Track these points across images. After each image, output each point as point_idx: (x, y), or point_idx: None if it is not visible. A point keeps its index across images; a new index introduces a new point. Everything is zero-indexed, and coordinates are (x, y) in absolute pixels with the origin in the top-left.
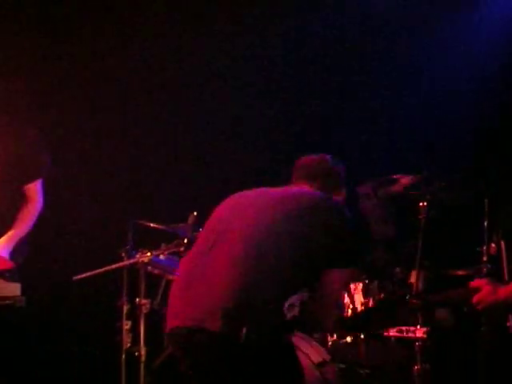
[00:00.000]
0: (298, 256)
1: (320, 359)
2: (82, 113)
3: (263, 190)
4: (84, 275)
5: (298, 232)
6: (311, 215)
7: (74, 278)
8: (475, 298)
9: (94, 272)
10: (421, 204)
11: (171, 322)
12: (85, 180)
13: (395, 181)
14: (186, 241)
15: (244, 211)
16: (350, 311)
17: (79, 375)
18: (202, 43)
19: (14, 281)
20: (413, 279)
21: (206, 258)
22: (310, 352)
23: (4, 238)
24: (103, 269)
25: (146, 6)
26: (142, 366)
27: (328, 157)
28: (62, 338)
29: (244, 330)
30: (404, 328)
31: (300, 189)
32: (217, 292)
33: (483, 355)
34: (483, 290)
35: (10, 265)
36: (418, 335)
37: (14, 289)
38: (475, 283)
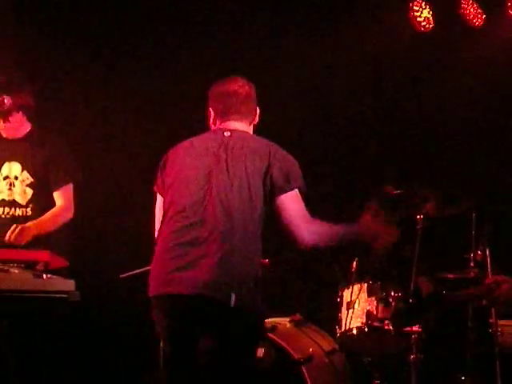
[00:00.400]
0: (264, 212)
1: (330, 348)
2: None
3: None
4: (130, 273)
5: (264, 189)
6: (272, 168)
7: (121, 275)
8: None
9: (140, 270)
10: (418, 216)
11: (164, 288)
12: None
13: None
14: None
15: (211, 174)
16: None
17: (123, 364)
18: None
19: (68, 277)
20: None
21: (190, 227)
22: (320, 342)
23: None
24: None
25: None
26: None
27: (243, 79)
28: (110, 330)
29: (233, 297)
30: None
31: (254, 139)
32: (210, 262)
33: (470, 347)
34: (504, 285)
35: (65, 263)
36: (413, 329)
37: (69, 285)
38: (493, 279)
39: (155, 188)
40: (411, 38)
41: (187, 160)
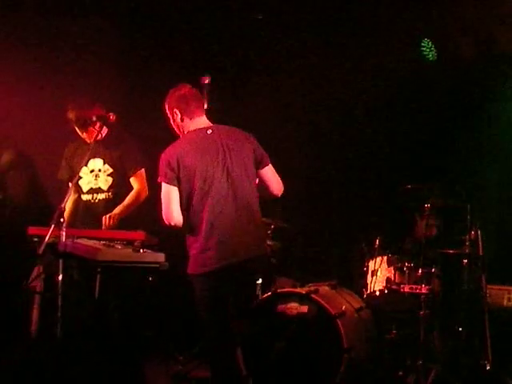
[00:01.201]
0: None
1: (358, 306)
2: None
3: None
4: None
5: (255, 167)
6: (256, 149)
7: None
8: None
9: None
10: (426, 206)
11: (229, 260)
12: None
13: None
14: None
15: (224, 166)
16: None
17: None
18: None
19: (159, 251)
20: None
21: (223, 207)
22: (351, 301)
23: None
24: None
25: None
26: None
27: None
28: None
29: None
30: (414, 286)
31: (235, 131)
32: (247, 231)
33: (465, 305)
34: None
35: (156, 241)
36: (423, 291)
37: (160, 257)
38: None
39: (165, 180)
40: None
41: (198, 156)
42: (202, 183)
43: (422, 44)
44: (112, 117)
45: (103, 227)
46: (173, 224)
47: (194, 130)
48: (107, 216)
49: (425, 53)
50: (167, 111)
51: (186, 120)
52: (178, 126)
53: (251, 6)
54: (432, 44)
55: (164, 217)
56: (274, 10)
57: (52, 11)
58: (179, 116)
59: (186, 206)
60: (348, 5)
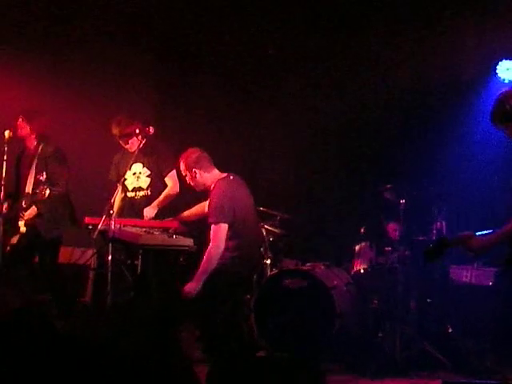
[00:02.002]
0: None
1: (347, 281)
2: None
3: (241, 184)
4: None
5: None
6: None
7: None
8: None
9: None
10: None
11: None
12: None
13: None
14: None
15: (246, 202)
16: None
17: None
18: None
19: (188, 237)
20: None
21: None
22: (341, 277)
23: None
24: None
25: None
26: None
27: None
28: None
29: None
30: (392, 266)
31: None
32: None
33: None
34: (473, 239)
35: (186, 229)
36: (399, 270)
37: (189, 241)
38: (465, 235)
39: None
40: None
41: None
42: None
43: None
44: (151, 129)
45: (144, 217)
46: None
47: (223, 179)
48: (147, 208)
49: None
50: (186, 172)
51: (206, 174)
52: (197, 182)
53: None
54: None
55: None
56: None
57: (96, 39)
58: (198, 173)
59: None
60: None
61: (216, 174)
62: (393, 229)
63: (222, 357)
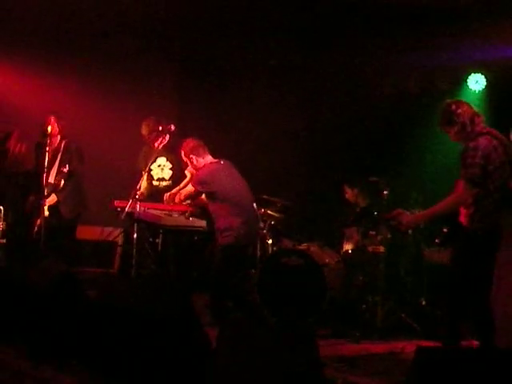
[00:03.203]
0: None
1: (337, 260)
2: None
3: (230, 167)
4: None
5: None
6: None
7: None
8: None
9: None
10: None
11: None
12: None
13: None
14: None
15: (239, 183)
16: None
17: None
18: None
19: (201, 219)
20: None
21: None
22: (332, 256)
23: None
24: None
25: None
26: None
27: None
28: None
29: None
30: (375, 247)
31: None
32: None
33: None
34: (403, 215)
35: (199, 212)
36: (381, 250)
37: (203, 223)
38: (397, 211)
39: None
40: None
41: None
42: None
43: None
44: (172, 127)
45: (164, 202)
46: None
47: (211, 163)
48: (167, 194)
49: None
50: (185, 158)
51: (200, 159)
52: (194, 166)
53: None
54: None
55: None
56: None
57: (123, 45)
58: (195, 159)
59: None
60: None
61: (209, 159)
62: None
63: (230, 321)
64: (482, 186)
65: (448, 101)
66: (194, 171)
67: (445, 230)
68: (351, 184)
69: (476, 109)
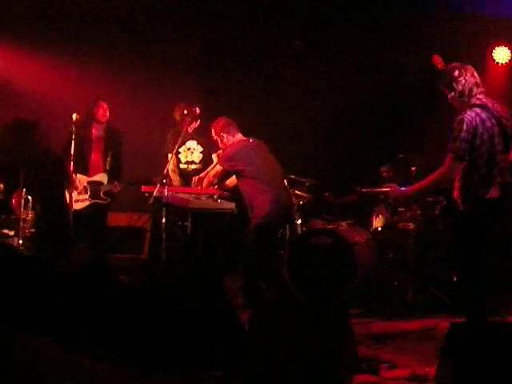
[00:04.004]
0: None
1: (367, 238)
2: None
3: (261, 145)
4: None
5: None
6: None
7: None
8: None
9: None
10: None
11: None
12: None
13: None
14: None
15: (269, 161)
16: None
17: None
18: None
19: (231, 201)
20: None
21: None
22: (362, 234)
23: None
24: None
25: None
26: None
27: None
28: None
29: None
30: (405, 224)
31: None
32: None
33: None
34: (392, 190)
35: (226, 194)
36: (411, 227)
37: (232, 205)
38: (388, 185)
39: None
40: None
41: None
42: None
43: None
44: (197, 110)
45: (192, 185)
46: None
47: (240, 141)
48: (195, 177)
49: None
50: (216, 137)
51: (230, 137)
52: (224, 144)
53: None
54: None
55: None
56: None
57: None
58: (226, 137)
59: None
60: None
61: (239, 136)
62: None
63: (262, 303)
64: (467, 159)
65: (453, 64)
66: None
67: (444, 202)
68: (385, 164)
69: (479, 79)
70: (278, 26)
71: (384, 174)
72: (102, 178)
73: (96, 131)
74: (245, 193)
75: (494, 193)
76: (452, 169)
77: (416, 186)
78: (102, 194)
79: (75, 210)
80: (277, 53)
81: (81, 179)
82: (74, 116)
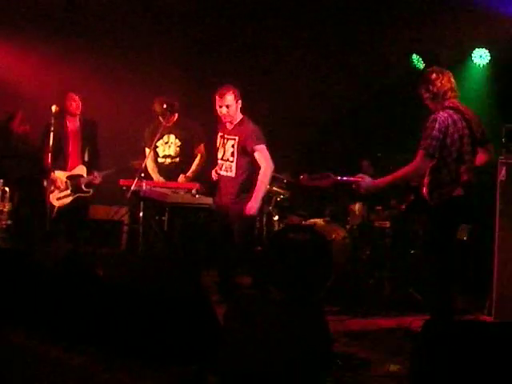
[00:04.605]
0: None
1: (343, 235)
2: None
3: None
4: None
5: None
6: None
7: None
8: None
9: None
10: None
11: None
12: None
13: None
14: None
15: None
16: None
17: None
18: None
19: (208, 196)
20: None
21: None
22: (338, 231)
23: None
24: None
25: None
26: None
27: None
28: None
29: None
30: (382, 222)
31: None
32: None
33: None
34: (363, 181)
35: (204, 190)
36: (387, 225)
37: (209, 200)
38: (359, 176)
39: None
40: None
41: None
42: None
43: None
44: (176, 104)
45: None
46: None
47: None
48: (184, 176)
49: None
50: (233, 101)
51: (239, 109)
52: (233, 113)
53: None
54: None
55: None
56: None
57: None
58: (239, 106)
59: None
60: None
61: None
62: None
63: (238, 298)
64: (436, 157)
65: (433, 68)
66: (227, 117)
67: (411, 197)
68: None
69: (454, 84)
70: (265, 18)
71: (364, 168)
72: (80, 170)
73: (71, 124)
74: (249, 171)
75: (459, 191)
76: (422, 165)
77: (386, 178)
78: (83, 186)
79: (59, 208)
80: (262, 46)
81: (60, 176)
82: (54, 108)
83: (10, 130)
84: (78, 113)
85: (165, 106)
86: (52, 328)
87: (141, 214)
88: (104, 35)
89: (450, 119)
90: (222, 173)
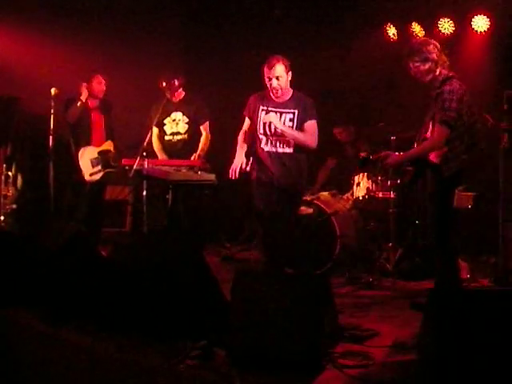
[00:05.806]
0: None
1: (348, 207)
2: None
3: None
4: None
5: None
6: None
7: None
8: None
9: None
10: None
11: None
12: None
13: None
14: None
15: None
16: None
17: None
18: None
19: (211, 173)
20: None
21: None
22: (344, 203)
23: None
24: None
25: None
26: None
27: None
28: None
29: None
30: (386, 193)
31: None
32: None
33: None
34: (390, 156)
35: (207, 166)
36: (391, 196)
37: (212, 177)
38: (384, 153)
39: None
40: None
41: None
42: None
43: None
44: (175, 82)
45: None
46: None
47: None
48: (196, 155)
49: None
50: (285, 71)
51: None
52: (286, 85)
53: None
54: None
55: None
56: None
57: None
58: (290, 78)
59: None
60: None
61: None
62: None
63: (243, 273)
64: (454, 128)
65: (423, 38)
66: (279, 90)
67: (409, 168)
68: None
69: (445, 52)
70: None
71: (337, 136)
72: (109, 145)
73: (92, 103)
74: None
75: (472, 161)
76: (443, 137)
77: (409, 153)
78: (111, 162)
79: (92, 182)
80: (259, 23)
81: (91, 151)
82: (53, 90)
83: (14, 113)
84: (102, 96)
85: (164, 84)
86: (60, 310)
87: (144, 193)
88: (105, 12)
89: (462, 89)
90: (272, 149)
